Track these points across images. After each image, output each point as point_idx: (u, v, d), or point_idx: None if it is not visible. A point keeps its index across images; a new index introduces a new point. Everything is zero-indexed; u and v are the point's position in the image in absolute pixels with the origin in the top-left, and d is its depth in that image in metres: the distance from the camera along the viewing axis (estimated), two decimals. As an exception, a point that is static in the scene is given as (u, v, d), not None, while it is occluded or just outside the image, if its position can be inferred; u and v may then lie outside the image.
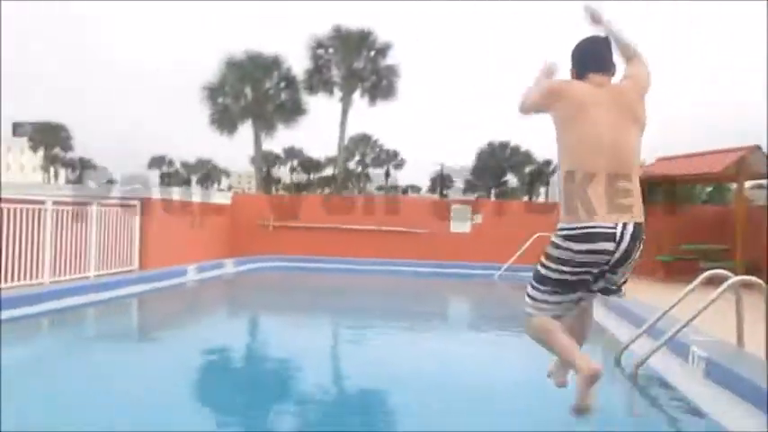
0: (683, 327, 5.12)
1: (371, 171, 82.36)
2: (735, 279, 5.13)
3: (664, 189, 16.57)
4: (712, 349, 5.30)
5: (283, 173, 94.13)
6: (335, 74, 35.79)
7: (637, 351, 5.52)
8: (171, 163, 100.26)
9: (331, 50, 35.27)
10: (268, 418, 4.42)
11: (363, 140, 75.53)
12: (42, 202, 9.38)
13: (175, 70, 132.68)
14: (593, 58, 3.37)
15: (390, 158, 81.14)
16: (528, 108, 3.56)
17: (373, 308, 10.39)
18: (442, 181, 64.15)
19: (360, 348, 7.04)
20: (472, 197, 55.97)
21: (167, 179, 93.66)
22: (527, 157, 73.36)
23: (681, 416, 4.62)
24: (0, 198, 8.66)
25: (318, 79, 35.64)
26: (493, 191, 72.94)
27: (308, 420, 4.38)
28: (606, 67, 3.36)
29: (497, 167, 71.65)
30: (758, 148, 13.40)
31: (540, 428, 4.23)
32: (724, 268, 5.63)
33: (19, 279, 8.64)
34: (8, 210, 8.59)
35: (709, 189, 21.11)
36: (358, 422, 4.34)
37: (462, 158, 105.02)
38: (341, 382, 5.52)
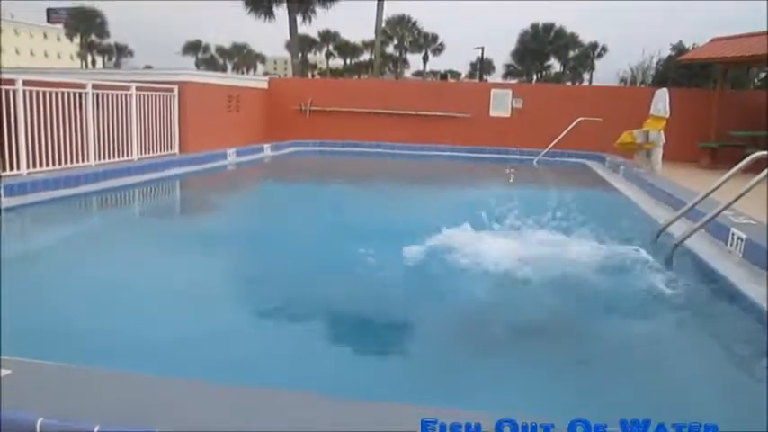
0: (725, 208, 5.05)
1: (410, 56, 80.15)
2: (783, 160, 4.98)
3: (714, 72, 15.83)
4: (753, 231, 5.25)
5: (320, 59, 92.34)
6: (372, -50, 34.22)
7: (675, 233, 5.50)
8: (206, 49, 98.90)
9: (367, -75, 33.54)
10: (305, 282, 4.62)
11: (401, 23, 72.91)
12: (83, 86, 9.47)
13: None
14: None
15: (429, 43, 78.48)
16: None
17: (405, 189, 10.49)
18: (481, 65, 62.13)
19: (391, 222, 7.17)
20: (513, 82, 54.45)
21: (203, 65, 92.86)
22: (572, 40, 70.15)
23: (716, 294, 4.66)
24: (42, 82, 8.76)
25: (354, -43, 34.13)
26: (535, 76, 70.54)
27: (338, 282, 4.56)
28: None
29: (540, 51, 68.81)
30: (822, 26, 12.58)
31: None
32: (773, 153, 5.45)
33: (68, 162, 8.92)
34: (50, 94, 8.70)
35: (763, 75, 20.10)
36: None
37: (504, 43, 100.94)
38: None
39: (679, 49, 19.37)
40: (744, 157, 5.53)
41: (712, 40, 15.33)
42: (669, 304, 4.39)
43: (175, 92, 11.81)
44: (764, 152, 5.50)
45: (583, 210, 6.17)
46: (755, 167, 5.31)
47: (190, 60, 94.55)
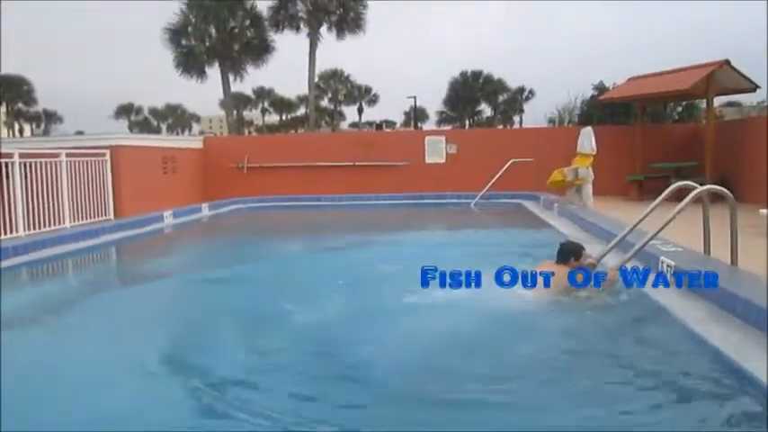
0: (653, 236, 5.27)
1: (345, 108, 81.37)
2: (702, 188, 5.26)
3: (634, 109, 16.68)
4: (680, 258, 5.49)
5: (255, 115, 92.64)
6: (301, 8, 34.90)
7: (609, 265, 5.69)
8: (139, 111, 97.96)
9: (295, -16, 34.38)
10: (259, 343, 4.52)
11: (334, 77, 74.14)
12: (10, 156, 9.22)
13: (134, 11, 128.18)
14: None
15: (363, 95, 79.99)
16: None
17: (346, 239, 10.46)
18: (415, 114, 63.60)
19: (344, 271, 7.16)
20: (447, 128, 55.78)
21: (136, 128, 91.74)
22: (500, 86, 72.76)
23: (650, 319, 4.80)
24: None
25: (284, 15, 34.68)
26: (468, 121, 72.56)
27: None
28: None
29: (471, 97, 71.02)
30: (727, 62, 13.45)
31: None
32: (693, 183, 5.75)
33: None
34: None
35: (680, 109, 21.36)
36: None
37: (435, 91, 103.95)
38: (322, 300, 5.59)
39: (600, 88, 20.29)
40: (667, 187, 5.83)
41: (629, 80, 16.17)
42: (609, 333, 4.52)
43: (107, 156, 11.63)
44: (684, 182, 5.83)
45: (520, 249, 6.35)
46: (679, 195, 5.60)
47: (123, 124, 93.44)
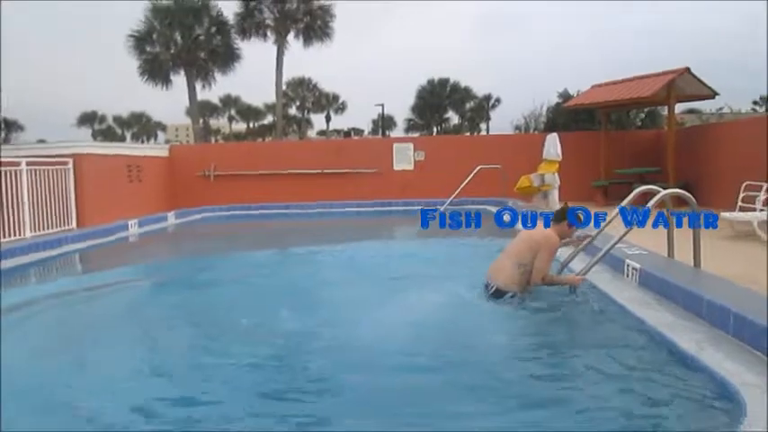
0: (618, 240, 5.35)
1: (313, 116, 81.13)
2: (664, 192, 5.36)
3: (598, 116, 16.98)
4: (645, 261, 5.57)
5: (222, 123, 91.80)
6: (268, 16, 34.73)
7: (575, 269, 5.75)
8: (103, 119, 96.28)
9: (262, -9, 34.17)
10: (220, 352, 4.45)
11: (302, 85, 73.88)
12: (-34, 164, 8.98)
13: (98, 18, 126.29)
14: None
15: (331, 103, 79.85)
16: None
17: (316, 245, 10.41)
18: (383, 121, 63.72)
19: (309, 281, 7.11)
20: (415, 135, 56.08)
21: (100, 136, 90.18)
22: (467, 93, 73.29)
23: (617, 321, 4.85)
24: None
25: (250, 22, 34.45)
26: (435, 128, 72.90)
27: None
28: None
29: (438, 105, 71.36)
30: (687, 70, 13.76)
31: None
32: (656, 187, 5.85)
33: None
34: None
35: (643, 115, 21.81)
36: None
37: (403, 98, 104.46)
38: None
39: (565, 96, 20.67)
40: (630, 192, 5.93)
41: (592, 87, 16.44)
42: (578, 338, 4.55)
43: (70, 165, 11.39)
44: (647, 186, 5.93)
45: (487, 253, 6.38)
46: (643, 200, 5.70)
47: (86, 132, 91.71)
